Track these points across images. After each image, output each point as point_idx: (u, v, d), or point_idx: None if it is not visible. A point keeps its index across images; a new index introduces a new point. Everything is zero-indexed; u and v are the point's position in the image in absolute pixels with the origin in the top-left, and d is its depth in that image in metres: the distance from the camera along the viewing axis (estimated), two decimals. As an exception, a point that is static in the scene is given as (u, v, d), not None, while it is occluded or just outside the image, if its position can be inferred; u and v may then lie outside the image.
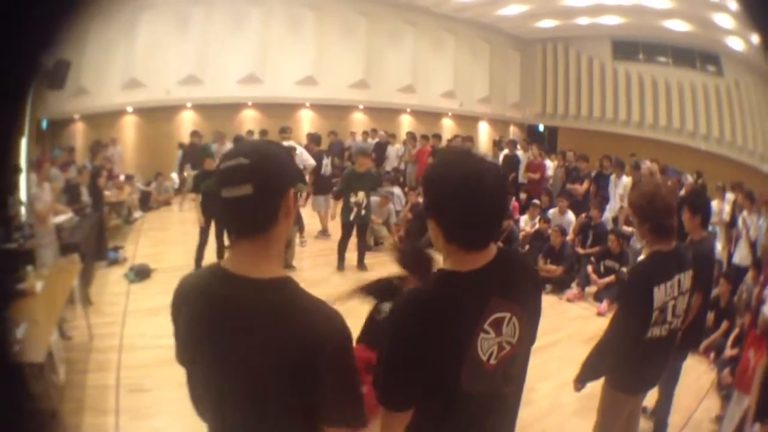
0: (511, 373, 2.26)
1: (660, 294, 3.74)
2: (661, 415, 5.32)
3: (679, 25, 18.34)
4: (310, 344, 1.85)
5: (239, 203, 1.90)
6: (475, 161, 2.16)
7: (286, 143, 11.46)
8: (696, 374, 5.61)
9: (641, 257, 9.10)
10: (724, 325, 7.63)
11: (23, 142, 11.22)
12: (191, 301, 1.99)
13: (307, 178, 12.56)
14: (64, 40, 13.35)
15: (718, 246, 10.75)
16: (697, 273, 4.15)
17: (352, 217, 10.50)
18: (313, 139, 14.11)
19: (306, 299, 1.96)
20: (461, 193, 2.04)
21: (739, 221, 10.80)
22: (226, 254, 2.06)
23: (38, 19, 1.39)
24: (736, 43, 16.91)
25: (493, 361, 2.15)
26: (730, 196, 12.11)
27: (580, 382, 4.06)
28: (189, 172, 15.04)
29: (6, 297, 5.59)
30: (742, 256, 10.31)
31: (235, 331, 1.88)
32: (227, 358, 1.90)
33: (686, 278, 3.93)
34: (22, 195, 9.42)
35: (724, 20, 15.58)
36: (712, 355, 7.40)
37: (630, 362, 3.88)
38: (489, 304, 2.11)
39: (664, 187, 3.93)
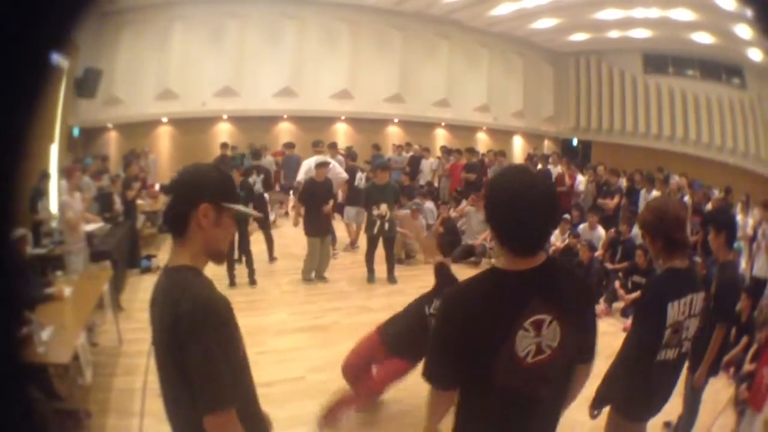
0: (548, 375, 2.39)
1: (673, 311, 3.66)
2: (684, 429, 5.23)
3: (704, 38, 18.23)
4: (171, 322, 2.15)
5: (165, 209, 2.45)
6: (528, 177, 2.36)
7: (320, 157, 11.59)
8: (714, 389, 5.52)
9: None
10: (744, 340, 7.45)
11: (53, 149, 11.40)
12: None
13: (339, 192, 12.69)
14: (81, 43, 13.54)
15: (742, 263, 10.60)
16: (721, 302, 4.11)
17: (375, 231, 10.55)
18: (349, 154, 14.25)
19: (186, 281, 2.24)
20: (512, 205, 2.26)
21: (759, 233, 10.67)
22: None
23: (47, 18, 1.46)
24: (756, 55, 16.79)
25: (530, 360, 2.32)
26: (756, 211, 11.97)
27: (595, 408, 3.97)
28: None
29: (34, 301, 5.74)
30: (761, 267, 10.15)
31: (151, 309, 2.37)
32: (155, 335, 2.30)
33: (699, 300, 3.81)
34: (52, 202, 9.58)
35: (744, 31, 15.48)
36: (731, 370, 7.27)
37: (638, 387, 3.80)
38: (530, 304, 2.30)
39: (672, 202, 3.90)
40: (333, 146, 14.36)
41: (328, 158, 12.03)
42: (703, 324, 4.12)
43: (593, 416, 3.99)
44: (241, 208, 2.48)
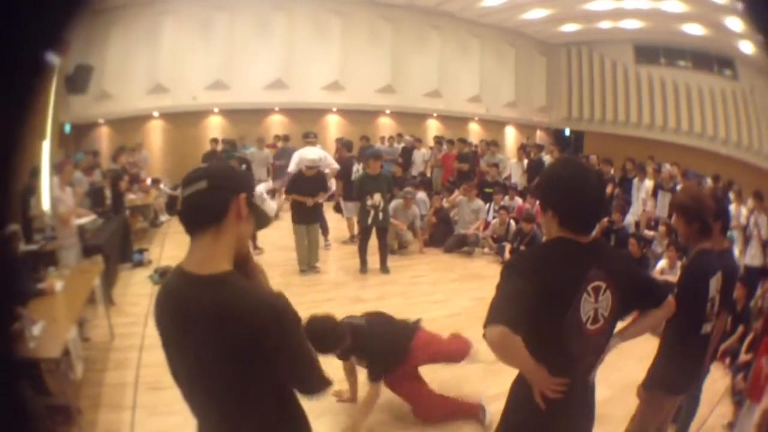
0: (599, 346, 2.76)
1: (713, 286, 3.94)
2: (684, 422, 5.22)
3: (695, 29, 18.25)
4: (254, 332, 2.02)
5: (194, 198, 2.12)
6: (586, 166, 2.87)
7: (311, 148, 11.56)
8: (711, 379, 5.53)
9: (662, 261, 9.12)
10: (740, 329, 7.49)
11: (45, 146, 11.35)
12: (158, 302, 2.22)
13: (333, 181, 12.66)
14: (72, 40, 13.51)
15: (736, 251, 10.64)
16: (724, 289, 4.16)
17: (369, 221, 10.51)
18: (344, 144, 14.21)
19: (246, 291, 2.12)
20: (579, 191, 2.61)
21: (751, 222, 10.72)
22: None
23: (41, 16, 1.45)
24: (747, 47, 16.83)
25: (590, 327, 2.64)
26: (749, 201, 12.02)
27: (648, 388, 4.10)
28: None
29: (25, 296, 5.73)
30: (753, 256, 10.30)
31: (186, 326, 2.08)
32: (185, 352, 2.13)
33: (720, 278, 4.04)
34: (44, 198, 9.56)
35: (735, 24, 15.52)
36: (727, 360, 7.30)
37: (686, 361, 4.01)
38: (591, 270, 2.61)
39: (705, 189, 4.16)
40: (314, 137, 14.35)
41: (318, 149, 12.00)
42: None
43: (642, 396, 4.16)
44: (261, 207, 2.42)
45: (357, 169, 12.96)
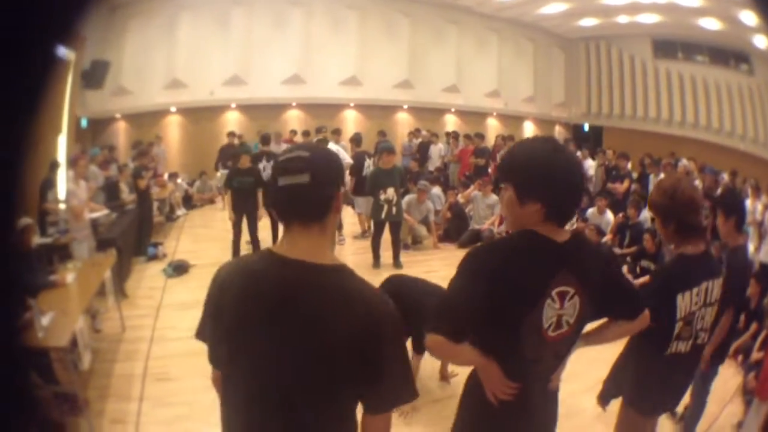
0: (561, 351, 2.52)
1: (684, 303, 3.47)
2: (690, 422, 5.08)
3: (711, 23, 18.16)
4: (372, 327, 1.94)
5: (296, 191, 1.98)
6: (565, 149, 2.49)
7: (331, 142, 11.56)
8: (723, 378, 5.42)
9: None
10: (753, 327, 7.33)
11: (61, 140, 11.43)
12: (238, 286, 2.02)
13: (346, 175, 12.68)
14: (88, 35, 13.58)
15: (751, 247, 10.48)
16: (730, 287, 3.96)
17: (383, 215, 10.45)
18: (354, 139, 14.20)
19: (364, 284, 2.05)
20: (567, 176, 2.35)
21: (766, 217, 10.62)
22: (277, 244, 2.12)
23: (54, 10, 1.46)
24: (762, 42, 16.76)
25: (551, 333, 2.39)
26: (765, 197, 11.92)
27: (603, 399, 4.00)
28: (221, 171, 15.29)
29: (37, 287, 5.79)
30: (767, 252, 10.09)
31: (295, 314, 1.92)
32: (286, 341, 1.93)
33: (715, 287, 3.63)
34: (60, 191, 9.63)
35: (750, 18, 15.42)
36: (740, 358, 7.13)
37: (649, 381, 3.63)
38: (559, 273, 2.35)
39: (684, 181, 3.69)
40: (336, 132, 14.33)
41: (331, 142, 12.00)
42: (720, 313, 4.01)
43: (603, 407, 4.03)
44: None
45: (368, 164, 12.90)
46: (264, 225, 10.85)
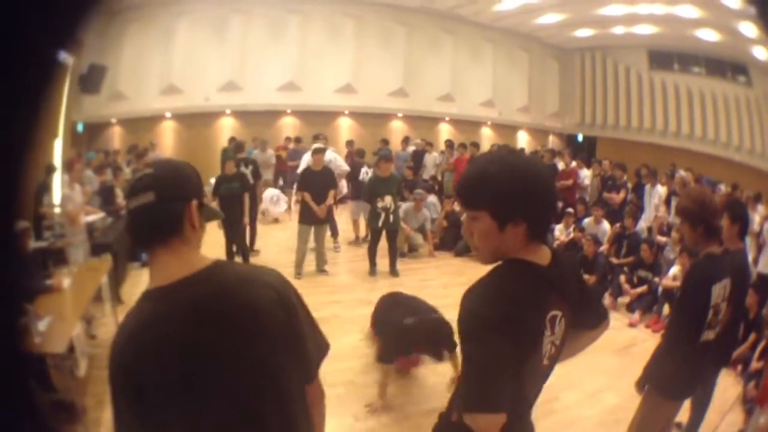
0: (547, 374, 2.34)
1: (715, 293, 3.84)
2: (690, 429, 5.16)
3: (709, 35, 18.21)
4: (278, 297, 1.99)
5: (143, 210, 1.92)
6: (536, 161, 2.44)
7: (316, 144, 11.51)
8: (723, 387, 5.46)
9: (675, 267, 9.05)
10: (752, 337, 7.36)
11: (57, 144, 11.38)
12: (148, 345, 1.83)
13: (343, 183, 12.65)
14: (86, 40, 13.56)
15: (749, 257, 10.53)
16: (732, 285, 4.12)
17: (380, 223, 10.45)
18: (357, 152, 14.23)
19: (247, 267, 2.19)
20: (546, 185, 2.16)
21: (765, 229, 10.66)
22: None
23: (53, 15, 1.44)
24: (761, 53, 16.83)
25: (546, 362, 2.23)
26: (761, 208, 11.96)
27: (642, 386, 4.19)
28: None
29: (33, 292, 5.74)
30: (766, 263, 10.06)
31: (214, 328, 1.86)
32: (225, 356, 1.86)
33: (728, 285, 3.98)
34: (56, 195, 9.59)
35: (749, 29, 15.46)
36: (739, 367, 7.18)
37: (682, 366, 3.92)
38: (550, 300, 2.16)
39: (710, 191, 4.07)
40: (324, 139, 14.34)
41: (328, 152, 11.98)
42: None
43: (640, 392, 4.21)
44: (214, 209, 2.21)
45: (366, 171, 12.91)
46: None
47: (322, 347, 2.18)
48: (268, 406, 1.94)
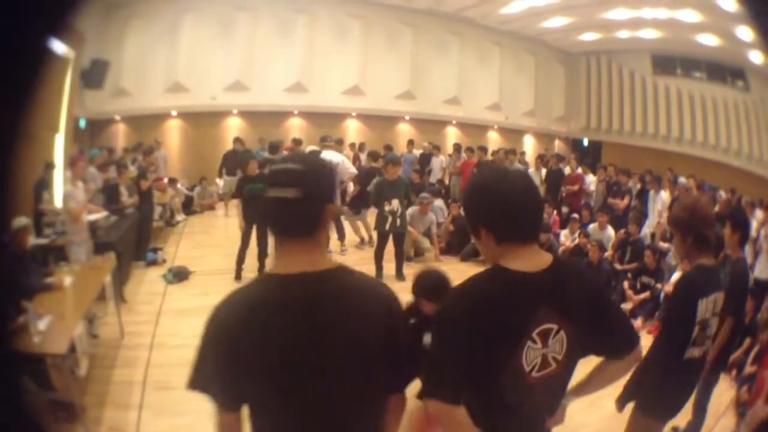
0: (552, 388, 2.33)
1: (702, 308, 3.71)
2: (692, 429, 5.15)
3: (709, 39, 18.27)
4: (388, 313, 2.08)
5: (284, 204, 2.01)
6: (500, 171, 2.48)
7: (329, 152, 11.49)
8: (717, 391, 5.46)
9: (676, 273, 9.02)
10: (747, 341, 7.36)
11: (58, 139, 11.36)
12: (254, 320, 1.95)
13: (351, 186, 12.62)
14: (87, 33, 13.55)
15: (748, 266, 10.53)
16: (732, 295, 4.11)
17: (387, 227, 10.40)
18: (371, 154, 14.22)
19: (366, 277, 2.19)
20: (500, 193, 2.22)
21: (761, 234, 10.64)
22: (271, 259, 2.15)
23: (44, 4, 1.41)
24: (758, 58, 16.88)
25: (535, 374, 2.21)
26: (759, 213, 11.95)
27: (622, 402, 4.02)
28: (226, 178, 15.25)
29: (32, 290, 5.72)
30: (762, 270, 10.07)
31: (321, 325, 1.96)
32: (322, 354, 1.96)
33: (720, 299, 3.88)
34: (57, 192, 9.57)
35: (746, 33, 15.49)
36: (733, 372, 7.20)
37: (666, 385, 3.80)
38: (539, 312, 2.17)
39: (702, 200, 3.96)
40: (339, 142, 14.30)
41: (336, 154, 11.96)
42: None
43: (620, 410, 4.04)
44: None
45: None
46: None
47: (415, 368, 2.23)
48: (349, 405, 2.04)
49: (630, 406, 4.02)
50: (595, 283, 2.60)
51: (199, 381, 2.04)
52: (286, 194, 1.99)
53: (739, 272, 4.80)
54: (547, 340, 2.19)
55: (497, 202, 2.23)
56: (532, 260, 2.23)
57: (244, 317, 1.95)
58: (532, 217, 2.32)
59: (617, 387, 3.71)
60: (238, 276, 9.95)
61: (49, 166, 10.00)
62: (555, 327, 2.20)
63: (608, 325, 2.39)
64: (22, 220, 6.06)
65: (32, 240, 7.55)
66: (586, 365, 2.52)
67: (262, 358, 1.93)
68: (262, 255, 10.12)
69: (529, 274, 2.19)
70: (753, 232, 11.18)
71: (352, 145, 17.85)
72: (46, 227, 8.69)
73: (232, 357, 1.94)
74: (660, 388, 3.78)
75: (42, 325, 4.98)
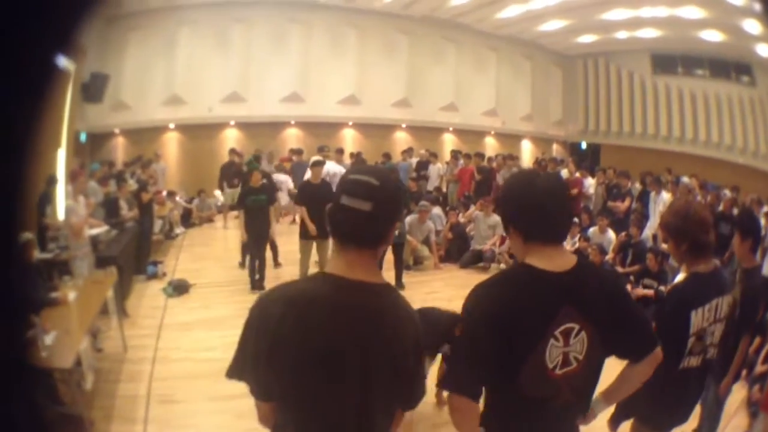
0: (577, 385, 2.39)
1: (697, 319, 3.57)
2: None
3: (713, 35, 18.18)
4: (415, 342, 2.15)
5: (356, 216, 2.04)
6: (532, 174, 2.65)
7: (316, 157, 11.47)
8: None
9: (680, 275, 8.96)
10: (757, 340, 7.20)
11: (60, 154, 11.34)
12: (301, 315, 2.01)
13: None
14: (88, 47, 13.56)
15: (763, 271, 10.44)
16: (748, 312, 4.04)
17: None
18: (357, 160, 14.23)
19: (407, 303, 2.24)
20: (524, 193, 2.37)
21: (768, 232, 10.58)
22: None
23: (51, 17, 1.41)
24: (766, 50, 16.81)
25: (558, 371, 2.30)
26: (767, 209, 11.91)
27: (616, 421, 3.96)
28: (227, 191, 15.23)
29: (39, 304, 5.70)
30: (768, 267, 9.99)
31: (364, 333, 2.04)
32: (361, 359, 2.03)
33: (724, 304, 3.72)
34: (59, 207, 9.56)
35: (753, 26, 15.42)
36: (744, 371, 7.15)
37: (663, 396, 3.66)
38: (562, 312, 2.26)
39: (695, 203, 3.85)
40: (340, 152, 14.29)
41: (333, 164, 11.96)
42: (729, 330, 4.00)
43: (613, 430, 3.99)
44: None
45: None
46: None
47: (422, 391, 2.31)
48: (372, 415, 2.12)
49: (623, 426, 3.98)
50: (617, 286, 2.65)
51: (236, 371, 2.11)
52: (360, 206, 2.02)
53: (753, 283, 4.58)
54: (568, 339, 2.28)
55: (525, 202, 2.36)
56: (556, 260, 2.33)
57: (291, 312, 2.00)
58: (558, 219, 2.41)
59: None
60: (254, 286, 9.97)
61: (52, 180, 9.98)
62: (577, 327, 2.28)
63: (628, 327, 2.46)
64: (26, 235, 6.06)
65: (37, 254, 7.55)
66: (613, 372, 2.55)
67: (301, 353, 1.99)
68: (261, 267, 10.13)
69: (553, 274, 2.29)
70: (762, 231, 11.15)
71: (351, 154, 17.84)
72: (49, 242, 8.67)
73: (270, 350, 2.00)
74: (659, 398, 3.68)
75: (49, 340, 4.99)
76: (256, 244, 10.00)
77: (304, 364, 2.00)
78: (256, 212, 9.78)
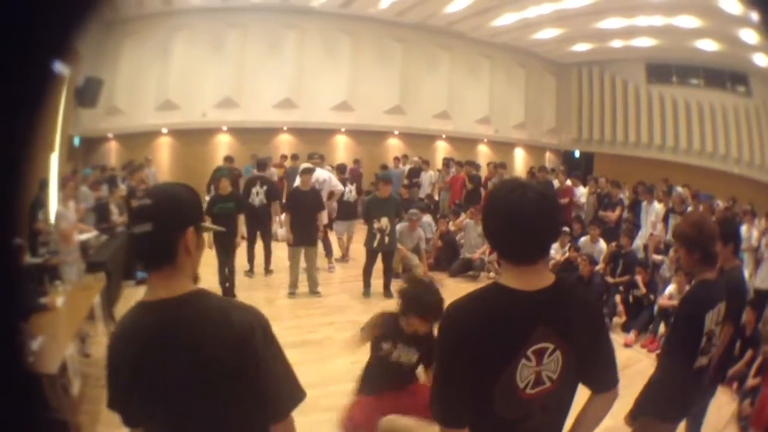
0: (552, 407, 2.32)
1: (709, 320, 3.81)
2: None
3: (708, 45, 18.16)
4: (239, 336, 2.10)
5: (143, 239, 2.12)
6: (510, 188, 2.28)
7: (306, 164, 11.47)
8: (718, 404, 5.41)
9: (671, 286, 9.00)
10: (748, 353, 7.27)
11: (53, 158, 11.31)
12: (127, 342, 2.14)
13: (335, 203, 12.58)
14: (83, 51, 13.53)
15: (746, 274, 10.45)
16: (729, 303, 4.13)
17: (375, 244, 10.36)
18: (338, 168, 14.23)
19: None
20: (503, 210, 2.22)
21: (763, 243, 10.62)
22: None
23: (49, 23, 1.43)
24: (762, 60, 16.82)
25: (530, 391, 2.21)
26: (762, 222, 11.93)
27: (634, 416, 4.07)
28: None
29: (28, 310, 5.70)
30: (764, 279, 9.95)
31: (174, 350, 2.08)
32: (171, 376, 2.08)
33: (722, 308, 3.98)
34: (51, 211, 9.53)
35: (750, 36, 15.42)
36: (734, 384, 7.13)
37: (679, 392, 3.90)
38: (535, 332, 2.18)
39: (707, 216, 4.05)
40: (321, 158, 14.30)
41: (324, 169, 11.98)
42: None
43: (630, 425, 4.12)
44: (211, 226, 2.60)
45: (350, 189, 12.96)
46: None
47: (295, 393, 2.29)
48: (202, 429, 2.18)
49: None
50: (594, 309, 2.61)
51: (109, 403, 2.25)
52: (140, 229, 2.10)
53: (734, 281, 4.76)
54: (541, 359, 2.20)
55: (497, 223, 2.27)
56: (530, 279, 2.24)
57: (117, 346, 2.19)
58: (531, 239, 2.24)
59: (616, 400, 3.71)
60: (225, 294, 9.64)
61: (44, 184, 9.97)
62: (551, 346, 2.21)
63: (599, 355, 2.43)
64: (17, 240, 6.05)
65: (27, 259, 7.54)
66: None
67: (133, 383, 2.13)
68: (230, 277, 10.09)
69: (525, 293, 2.21)
70: (753, 242, 11.17)
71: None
72: (40, 246, 8.65)
73: (116, 381, 2.19)
74: (676, 396, 3.90)
75: (35, 345, 4.99)
76: (222, 252, 9.81)
77: (140, 391, 2.12)
78: (222, 220, 9.29)
